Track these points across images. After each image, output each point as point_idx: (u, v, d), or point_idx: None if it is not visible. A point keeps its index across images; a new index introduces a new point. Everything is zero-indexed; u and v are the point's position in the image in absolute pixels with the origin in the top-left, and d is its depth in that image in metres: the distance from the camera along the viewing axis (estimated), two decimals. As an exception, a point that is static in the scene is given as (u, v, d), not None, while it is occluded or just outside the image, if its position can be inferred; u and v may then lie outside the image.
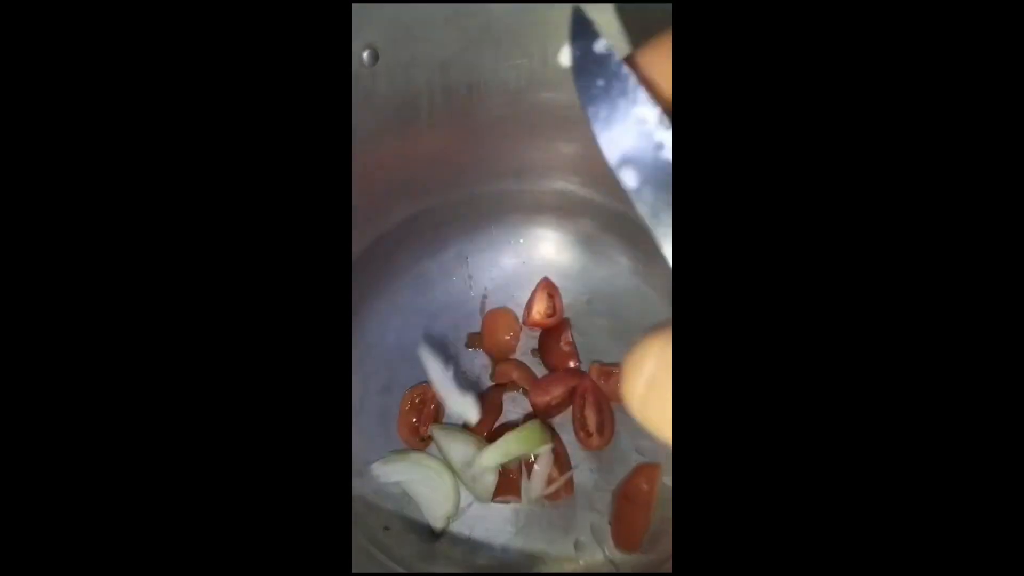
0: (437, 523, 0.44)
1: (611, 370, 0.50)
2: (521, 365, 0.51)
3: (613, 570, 0.44)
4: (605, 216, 0.51)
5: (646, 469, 0.46)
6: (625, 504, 0.44)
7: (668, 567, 0.44)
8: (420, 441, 0.48)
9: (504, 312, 0.53)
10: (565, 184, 0.51)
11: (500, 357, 0.51)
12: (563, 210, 0.52)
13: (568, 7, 0.38)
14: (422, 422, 0.48)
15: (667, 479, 0.47)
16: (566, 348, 0.51)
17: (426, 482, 0.44)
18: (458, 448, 0.46)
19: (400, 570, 0.45)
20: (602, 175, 0.51)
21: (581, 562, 0.46)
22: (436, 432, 0.47)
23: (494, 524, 0.46)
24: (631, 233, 0.51)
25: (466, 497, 0.46)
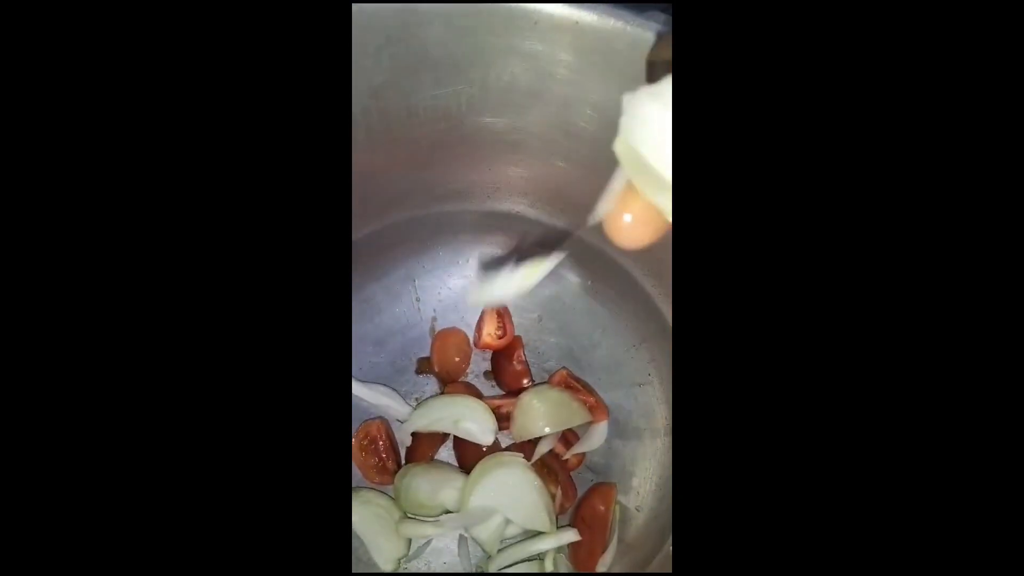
0: (387, 566, 0.43)
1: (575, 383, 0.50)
2: (469, 387, 0.50)
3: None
4: (553, 235, 0.51)
5: (602, 489, 0.46)
6: (582, 526, 0.44)
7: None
8: (391, 476, 0.47)
9: (453, 332, 0.52)
10: (512, 205, 0.50)
11: (450, 380, 0.50)
12: (511, 230, 0.52)
13: (507, 33, 0.37)
14: (387, 458, 0.47)
15: (621, 498, 0.47)
16: (519, 367, 0.51)
17: (374, 522, 0.43)
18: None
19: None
20: (549, 196, 0.51)
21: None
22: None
23: (452, 559, 0.46)
24: (579, 251, 0.51)
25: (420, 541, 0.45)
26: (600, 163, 0.44)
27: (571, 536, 0.43)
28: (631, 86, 0.37)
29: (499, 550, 0.43)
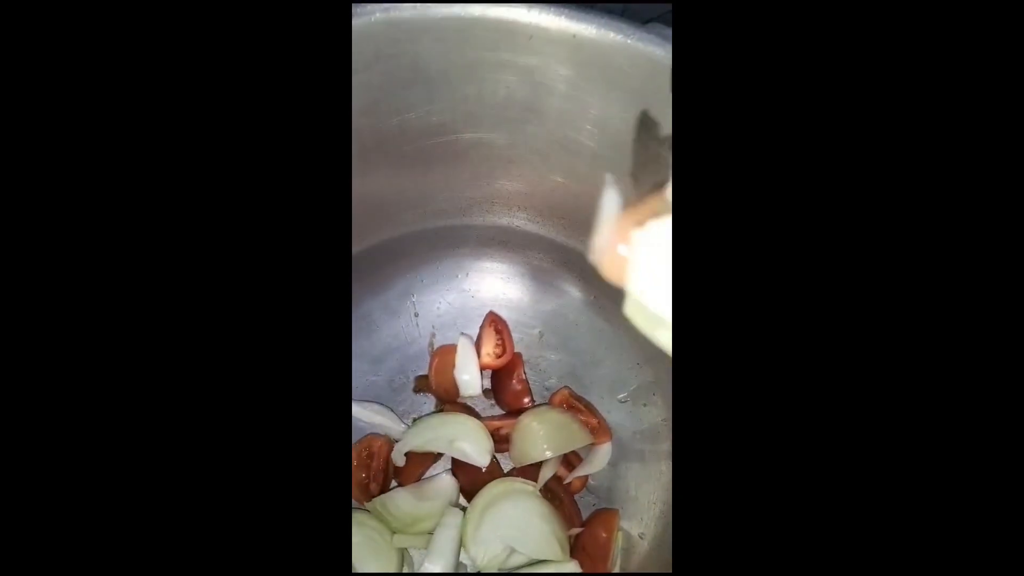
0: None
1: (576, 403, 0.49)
2: (466, 408, 0.49)
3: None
4: (554, 250, 0.49)
5: (603, 516, 0.45)
6: (582, 555, 0.43)
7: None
8: (371, 499, 0.45)
9: (452, 350, 0.50)
10: (511, 220, 0.48)
11: (449, 399, 0.49)
12: (510, 244, 0.50)
13: (501, 47, 0.35)
14: (372, 478, 0.46)
15: (625, 524, 0.45)
16: (519, 386, 0.49)
17: (365, 545, 0.41)
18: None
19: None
20: (548, 211, 0.49)
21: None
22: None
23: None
24: (581, 266, 0.50)
25: (416, 561, 0.44)
26: (600, 178, 0.42)
27: (571, 568, 0.41)
28: (632, 101, 0.36)
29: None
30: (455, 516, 0.42)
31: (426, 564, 0.41)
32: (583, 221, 0.49)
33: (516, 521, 0.42)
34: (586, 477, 0.47)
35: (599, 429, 0.47)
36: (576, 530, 0.44)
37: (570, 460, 0.47)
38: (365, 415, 0.48)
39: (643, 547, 0.44)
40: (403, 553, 0.43)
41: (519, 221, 0.49)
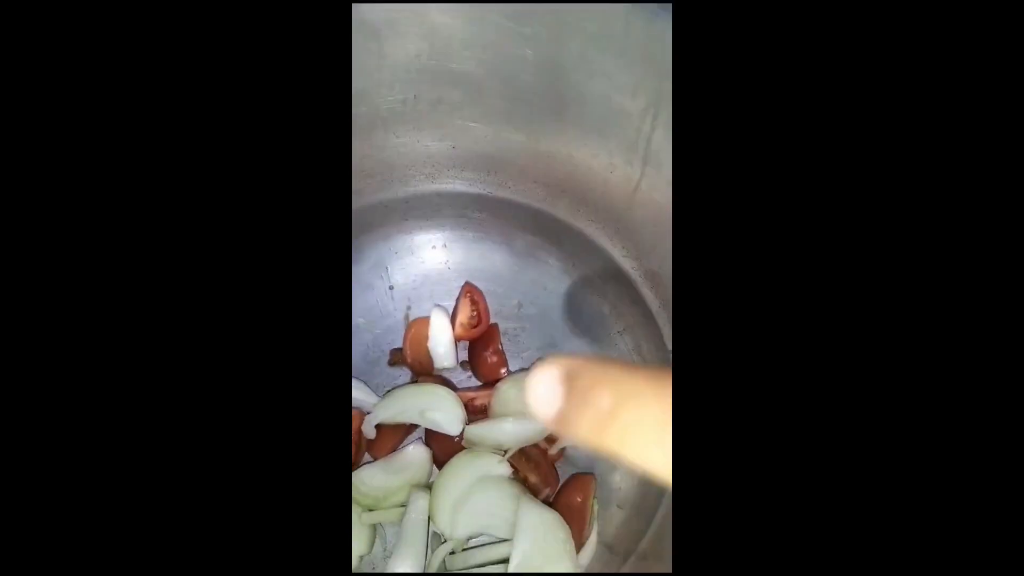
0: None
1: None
2: (441, 380, 0.48)
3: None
4: (531, 218, 0.48)
5: (579, 480, 0.44)
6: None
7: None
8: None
9: (427, 322, 0.49)
10: (484, 187, 0.47)
11: (424, 372, 0.48)
12: (486, 213, 0.49)
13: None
14: None
15: (603, 494, 0.44)
16: (494, 358, 0.48)
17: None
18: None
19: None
20: (521, 177, 0.47)
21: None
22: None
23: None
24: (557, 233, 0.48)
25: (389, 536, 0.44)
26: (575, 141, 0.41)
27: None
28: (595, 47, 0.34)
29: (464, 549, 0.41)
30: (421, 499, 0.41)
31: (394, 557, 0.41)
32: (556, 186, 0.47)
33: (490, 508, 0.41)
34: (563, 448, 0.46)
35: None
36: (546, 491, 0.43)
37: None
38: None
39: (620, 516, 0.43)
40: (375, 528, 0.42)
41: (492, 188, 0.47)
